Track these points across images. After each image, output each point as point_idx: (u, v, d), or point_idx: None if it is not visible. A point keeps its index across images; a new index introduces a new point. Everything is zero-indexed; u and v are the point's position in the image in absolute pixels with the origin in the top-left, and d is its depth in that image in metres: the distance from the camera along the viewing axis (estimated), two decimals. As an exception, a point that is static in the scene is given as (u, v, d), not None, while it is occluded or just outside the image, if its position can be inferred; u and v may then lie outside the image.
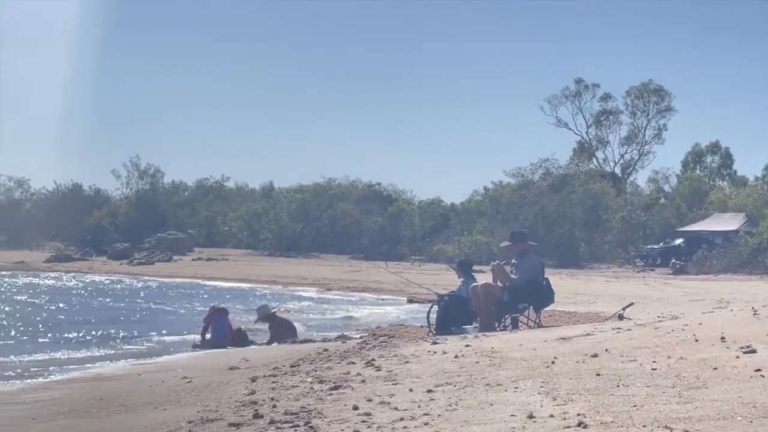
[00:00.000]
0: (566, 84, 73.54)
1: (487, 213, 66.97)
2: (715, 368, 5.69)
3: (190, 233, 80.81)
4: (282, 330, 14.29)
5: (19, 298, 30.11)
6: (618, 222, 58.51)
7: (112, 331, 18.09)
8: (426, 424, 4.34)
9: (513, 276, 11.94)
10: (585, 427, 3.96)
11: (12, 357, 13.19)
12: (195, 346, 14.01)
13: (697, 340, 7.37)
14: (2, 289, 36.18)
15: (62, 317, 22.04)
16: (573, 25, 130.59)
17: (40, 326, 19.24)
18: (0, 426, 6.85)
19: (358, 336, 13.65)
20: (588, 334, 8.98)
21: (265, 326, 14.62)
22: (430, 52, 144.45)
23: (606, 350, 7.12)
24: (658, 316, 12.18)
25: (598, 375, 5.72)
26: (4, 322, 20.41)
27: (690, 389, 4.92)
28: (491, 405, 4.94)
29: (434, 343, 9.50)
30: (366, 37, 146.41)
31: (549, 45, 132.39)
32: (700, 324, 9.26)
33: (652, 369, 5.86)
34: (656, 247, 51.94)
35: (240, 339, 13.72)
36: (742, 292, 24.82)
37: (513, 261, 12.32)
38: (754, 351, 6.12)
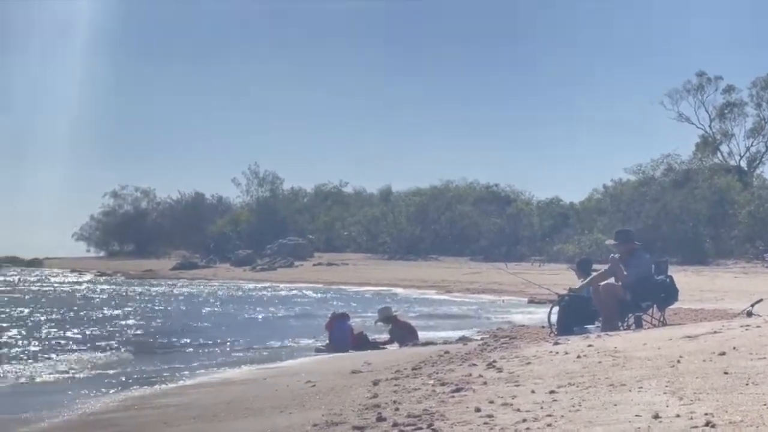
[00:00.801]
0: (688, 78, 71.98)
1: (607, 211, 66.61)
2: None
3: (310, 238, 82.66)
4: (403, 332, 14.40)
5: (149, 306, 31.75)
6: (745, 217, 57.58)
7: (237, 337, 18.79)
8: (549, 425, 4.32)
9: (624, 273, 11.70)
10: (713, 426, 3.89)
11: (143, 364, 13.92)
12: (318, 350, 14.35)
13: None
14: (134, 297, 38.39)
15: (190, 324, 23.05)
16: (693, 19, 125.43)
17: (170, 332, 20.21)
18: (134, 431, 7.20)
19: (479, 338, 13.66)
20: (715, 332, 8.67)
21: (386, 328, 14.82)
22: (544, 53, 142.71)
23: (734, 348, 6.89)
24: None
25: (726, 373, 5.58)
26: (139, 331, 21.67)
27: None
28: (615, 405, 4.89)
29: (556, 343, 9.37)
30: (480, 39, 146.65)
31: (666, 39, 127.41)
32: None
33: None
34: None
35: (361, 342, 13.94)
36: None
37: (615, 255, 12.10)
38: None
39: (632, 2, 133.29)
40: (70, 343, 17.60)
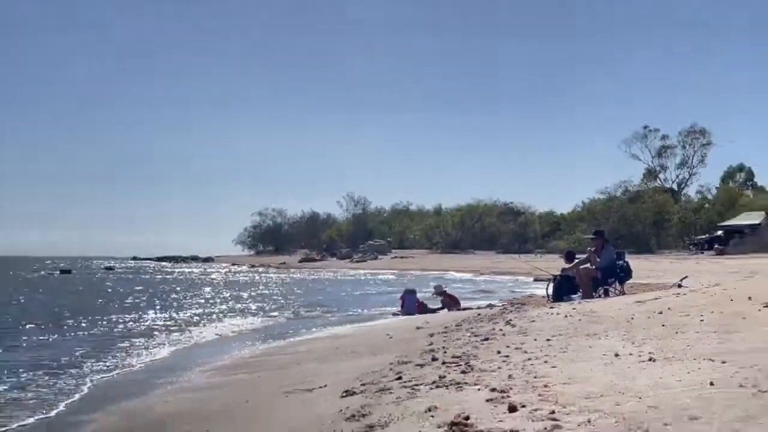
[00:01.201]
0: (636, 129, 74.40)
1: (585, 219, 68.71)
2: (744, 318, 5.36)
3: (388, 241, 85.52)
4: (450, 301, 14.30)
5: (288, 288, 32.23)
6: (676, 222, 62.60)
7: (342, 306, 18.97)
8: (546, 361, 4.26)
9: (597, 260, 11.41)
10: (654, 360, 3.83)
11: (279, 326, 14.08)
12: (394, 315, 14.36)
13: (732, 300, 6.84)
14: (276, 281, 39.23)
15: (312, 298, 23.34)
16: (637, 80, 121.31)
17: (303, 304, 20.33)
18: (276, 367, 7.33)
19: (500, 304, 13.43)
20: (656, 298, 8.31)
21: (439, 299, 14.74)
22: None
23: (669, 309, 6.62)
24: (705, 284, 11.49)
25: (663, 326, 5.39)
26: (282, 301, 22.08)
27: (726, 333, 4.66)
28: (590, 347, 4.75)
29: (551, 308, 9.16)
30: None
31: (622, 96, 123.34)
32: (734, 289, 8.63)
33: (700, 320, 5.50)
34: (704, 237, 55.61)
35: (423, 309, 13.87)
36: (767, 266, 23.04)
37: (591, 248, 11.76)
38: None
39: (602, 75, 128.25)
40: (236, 311, 18.05)
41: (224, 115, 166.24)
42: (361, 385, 4.49)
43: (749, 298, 6.62)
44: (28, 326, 13.39)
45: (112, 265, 76.06)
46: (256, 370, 7.30)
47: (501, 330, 6.77)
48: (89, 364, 8.54)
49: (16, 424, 5.33)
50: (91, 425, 5.23)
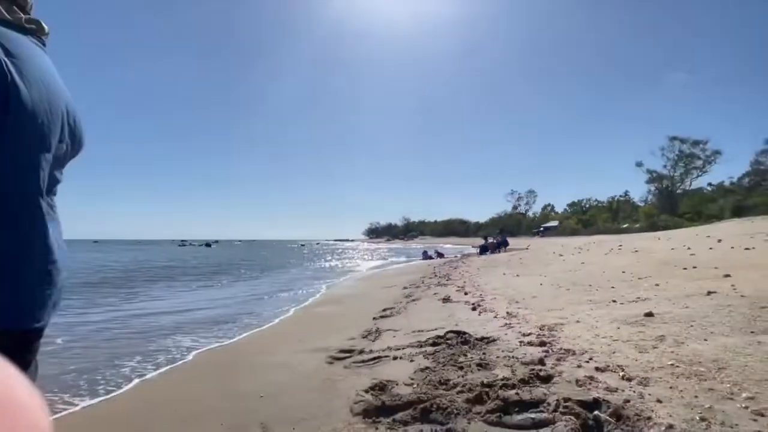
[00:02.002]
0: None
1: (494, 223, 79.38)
2: (552, 259, 10.18)
3: (422, 231, 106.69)
4: (438, 255, 19.54)
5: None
6: (526, 224, 72.90)
7: (412, 253, 23.30)
8: (477, 276, 9.01)
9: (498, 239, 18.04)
10: (518, 276, 8.47)
11: (387, 264, 18.42)
12: (423, 259, 20.05)
13: (551, 252, 11.92)
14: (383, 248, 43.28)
15: (400, 252, 27.63)
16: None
17: (389, 254, 24.74)
18: (377, 278, 10.58)
19: (460, 255, 18.51)
20: (518, 253, 13.58)
21: (436, 253, 19.91)
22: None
23: (520, 258, 11.74)
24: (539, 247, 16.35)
25: (520, 261, 10.35)
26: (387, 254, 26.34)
27: (546, 266, 9.49)
28: (494, 269, 9.55)
29: (479, 257, 14.21)
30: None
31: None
32: (548, 247, 13.64)
33: (536, 260, 10.40)
34: (536, 230, 68.26)
35: (434, 256, 19.35)
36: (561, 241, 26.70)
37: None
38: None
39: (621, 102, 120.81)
40: (371, 257, 22.32)
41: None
42: (409, 285, 9.37)
43: (554, 252, 11.67)
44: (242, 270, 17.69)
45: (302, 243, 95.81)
46: (371, 281, 11.10)
47: (460, 265, 11.73)
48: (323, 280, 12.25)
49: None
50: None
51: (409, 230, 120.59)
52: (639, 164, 56.64)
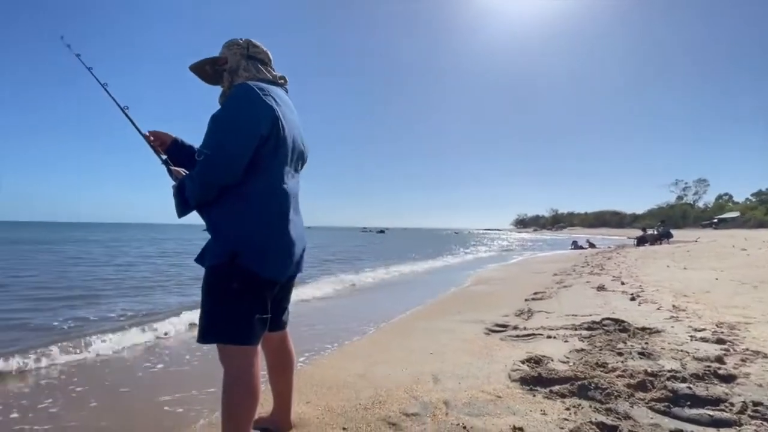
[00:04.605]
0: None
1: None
2: (729, 254, 7.95)
3: (572, 223, 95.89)
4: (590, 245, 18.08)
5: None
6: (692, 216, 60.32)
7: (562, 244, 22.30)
8: (635, 267, 7.74)
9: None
10: (686, 269, 7.03)
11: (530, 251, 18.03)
12: (573, 248, 18.84)
13: (721, 247, 9.15)
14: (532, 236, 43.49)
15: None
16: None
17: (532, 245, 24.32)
18: (534, 263, 10.31)
19: (614, 246, 16.20)
20: (685, 245, 11.07)
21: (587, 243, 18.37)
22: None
23: (687, 250, 9.60)
24: (706, 241, 12.69)
25: (688, 252, 8.51)
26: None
27: (719, 260, 7.65)
28: (654, 262, 8.06)
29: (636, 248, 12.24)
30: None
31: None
32: (716, 241, 10.57)
33: (706, 255, 8.40)
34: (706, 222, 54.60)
35: (585, 246, 18.06)
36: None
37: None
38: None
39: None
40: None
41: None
42: (559, 272, 8.53)
43: (733, 245, 9.28)
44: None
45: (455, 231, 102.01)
46: (519, 266, 10.47)
47: (615, 255, 10.35)
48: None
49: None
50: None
51: (557, 221, 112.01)
52: None
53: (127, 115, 1.67)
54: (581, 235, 41.43)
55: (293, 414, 1.90)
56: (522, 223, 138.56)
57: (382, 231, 76.40)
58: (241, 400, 1.44)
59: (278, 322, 1.71)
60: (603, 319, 3.51)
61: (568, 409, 1.94)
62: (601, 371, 2.32)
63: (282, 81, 1.68)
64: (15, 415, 2.24)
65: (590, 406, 1.94)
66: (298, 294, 5.63)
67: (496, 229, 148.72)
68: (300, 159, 1.68)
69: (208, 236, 1.51)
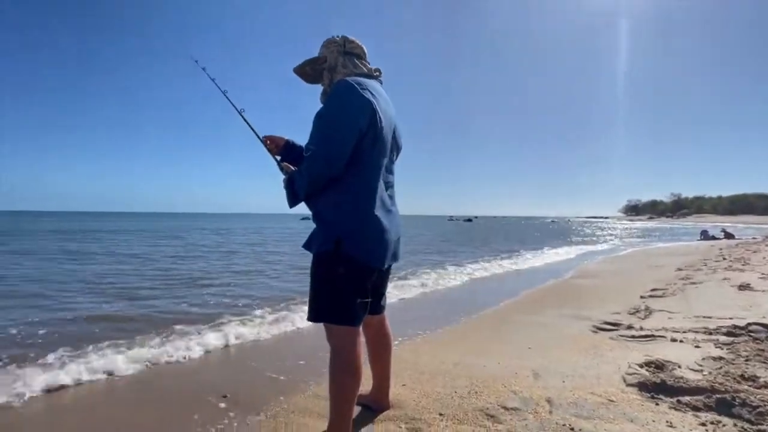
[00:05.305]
0: None
1: None
2: None
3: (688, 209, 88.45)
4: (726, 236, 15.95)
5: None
6: None
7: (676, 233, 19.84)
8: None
9: None
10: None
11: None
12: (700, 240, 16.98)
13: None
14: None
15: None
16: None
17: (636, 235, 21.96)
18: (645, 256, 9.16)
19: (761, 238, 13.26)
20: None
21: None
22: None
23: None
24: None
25: None
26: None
27: None
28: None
29: None
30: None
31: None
32: None
33: None
34: None
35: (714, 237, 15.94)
36: None
37: None
38: None
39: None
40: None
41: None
42: (685, 267, 7.18)
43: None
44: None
45: (553, 219, 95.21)
46: (631, 258, 9.16)
47: (764, 248, 8.58)
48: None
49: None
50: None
51: (679, 207, 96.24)
52: None
53: (245, 120, 1.79)
54: (713, 223, 34.85)
55: (391, 394, 1.93)
56: (634, 210, 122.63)
57: (469, 219, 72.42)
58: (344, 376, 1.51)
59: (377, 307, 1.74)
60: (749, 324, 2.88)
61: (703, 424, 1.64)
62: (749, 386, 1.89)
63: (377, 73, 1.68)
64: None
65: (735, 425, 1.60)
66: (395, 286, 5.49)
67: (602, 217, 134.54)
68: (395, 149, 1.66)
69: (307, 224, 1.58)
